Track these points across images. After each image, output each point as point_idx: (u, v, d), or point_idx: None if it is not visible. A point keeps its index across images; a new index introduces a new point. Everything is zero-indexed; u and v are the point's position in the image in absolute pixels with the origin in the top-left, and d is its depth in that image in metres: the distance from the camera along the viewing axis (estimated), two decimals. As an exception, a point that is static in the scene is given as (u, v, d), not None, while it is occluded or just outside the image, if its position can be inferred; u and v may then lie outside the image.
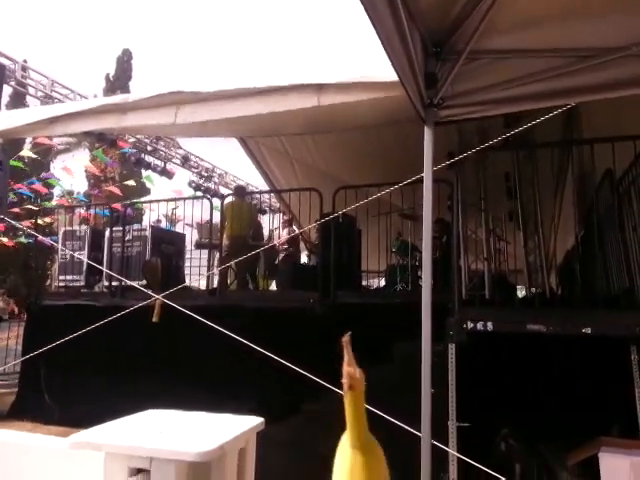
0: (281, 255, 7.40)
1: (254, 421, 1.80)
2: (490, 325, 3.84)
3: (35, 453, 1.90)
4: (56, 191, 18.80)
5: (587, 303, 4.12)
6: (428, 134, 2.54)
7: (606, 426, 4.07)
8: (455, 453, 3.33)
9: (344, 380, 0.34)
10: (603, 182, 4.63)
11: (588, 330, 3.58)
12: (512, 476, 3.33)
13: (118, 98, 5.25)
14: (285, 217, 8.21)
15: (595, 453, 3.66)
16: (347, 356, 0.34)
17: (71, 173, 11.67)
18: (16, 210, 11.33)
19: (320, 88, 3.88)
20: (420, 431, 2.65)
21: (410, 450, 2.87)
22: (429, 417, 2.54)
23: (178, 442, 1.60)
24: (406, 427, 2.87)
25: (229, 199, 7.31)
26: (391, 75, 3.62)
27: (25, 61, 9.49)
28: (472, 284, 5.19)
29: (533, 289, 6.09)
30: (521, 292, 7.52)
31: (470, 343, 3.88)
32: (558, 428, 4.06)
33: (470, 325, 3.86)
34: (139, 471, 1.61)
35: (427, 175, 2.63)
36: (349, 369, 0.34)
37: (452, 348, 3.80)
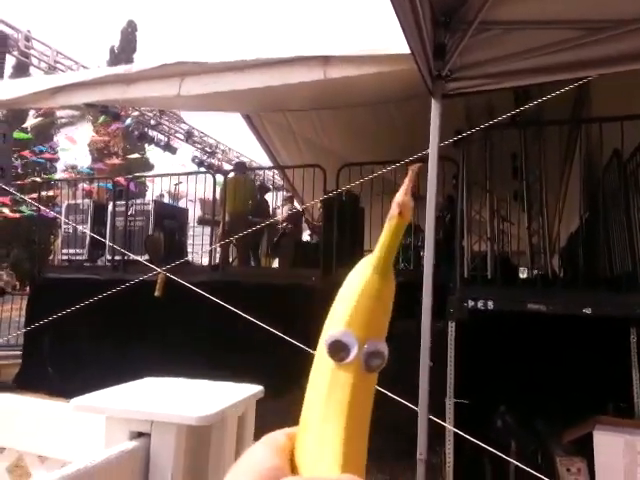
0: (283, 232, 7.38)
1: (254, 389, 1.81)
2: (491, 304, 3.84)
3: (35, 416, 1.91)
4: (59, 165, 18.78)
5: (589, 284, 4.11)
6: (435, 107, 2.50)
7: (602, 405, 4.11)
8: (452, 428, 3.36)
9: (394, 205, 0.33)
10: (610, 163, 4.58)
11: (588, 310, 3.59)
12: (508, 452, 3.37)
13: (122, 68, 5.18)
14: (286, 194, 8.17)
15: (590, 431, 3.71)
16: (407, 185, 0.32)
17: (74, 142, 11.61)
18: (20, 182, 11.32)
19: (326, 60, 3.82)
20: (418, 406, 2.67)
21: (408, 425, 2.91)
22: (427, 392, 2.56)
23: (179, 406, 1.61)
24: (405, 402, 2.90)
25: (231, 175, 7.27)
26: (399, 48, 3.56)
27: (29, 31, 9.36)
28: (474, 264, 5.18)
29: (535, 271, 6.08)
30: (523, 274, 7.52)
31: (471, 321, 3.90)
32: (554, 406, 4.10)
33: (471, 303, 3.87)
34: (140, 435, 1.62)
35: (433, 150, 2.59)
36: (405, 197, 0.32)
37: (452, 326, 3.82)
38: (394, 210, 0.33)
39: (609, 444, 3.65)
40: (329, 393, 0.32)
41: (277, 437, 0.33)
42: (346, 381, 0.32)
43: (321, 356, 0.33)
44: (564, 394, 4.11)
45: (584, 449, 3.87)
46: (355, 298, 0.33)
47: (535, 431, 3.96)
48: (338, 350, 0.32)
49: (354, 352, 0.32)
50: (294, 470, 0.31)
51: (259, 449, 0.32)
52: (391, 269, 0.34)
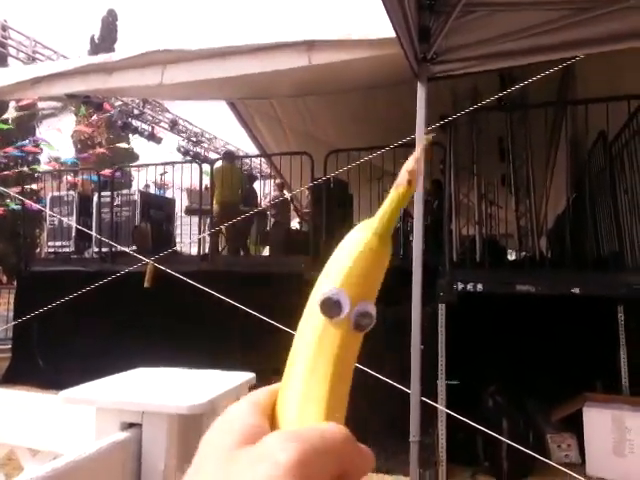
0: (272, 220, 7.36)
1: (245, 376, 1.80)
2: (480, 286, 3.87)
3: (25, 410, 1.89)
4: (43, 158, 18.46)
5: (576, 265, 4.16)
6: (421, 90, 2.48)
7: (590, 383, 4.19)
8: (444, 409, 3.41)
9: (404, 172, 0.32)
10: (596, 144, 4.61)
11: (577, 290, 3.63)
12: (499, 431, 3.42)
13: (103, 57, 5.08)
14: (277, 181, 8.11)
15: (579, 408, 3.78)
16: (419, 153, 0.32)
17: (61, 132, 11.39)
18: (4, 174, 11.11)
19: (311, 46, 3.78)
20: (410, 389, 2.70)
21: (401, 407, 2.94)
22: (418, 374, 2.59)
23: (170, 396, 1.60)
24: (397, 385, 2.92)
25: (218, 164, 7.20)
26: (383, 32, 3.53)
27: (5, 21, 9.14)
28: (463, 248, 5.21)
29: (523, 253, 6.14)
30: (511, 256, 7.59)
31: (460, 304, 3.93)
32: (544, 385, 4.17)
33: (460, 286, 3.90)
34: (131, 425, 1.61)
35: (419, 133, 2.58)
36: (416, 165, 0.32)
37: (442, 309, 3.84)
38: (403, 178, 0.32)
39: (598, 420, 3.72)
40: (318, 348, 0.33)
41: (258, 395, 0.33)
42: (335, 337, 0.33)
43: (311, 310, 0.34)
44: (554, 373, 4.18)
45: (574, 426, 3.94)
46: (352, 258, 0.33)
47: (526, 410, 4.02)
48: (330, 307, 0.33)
49: (346, 310, 0.32)
50: (274, 427, 0.31)
51: (239, 407, 0.31)
52: (390, 235, 0.34)
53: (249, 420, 0.30)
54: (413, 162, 0.33)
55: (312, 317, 0.33)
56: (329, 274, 0.34)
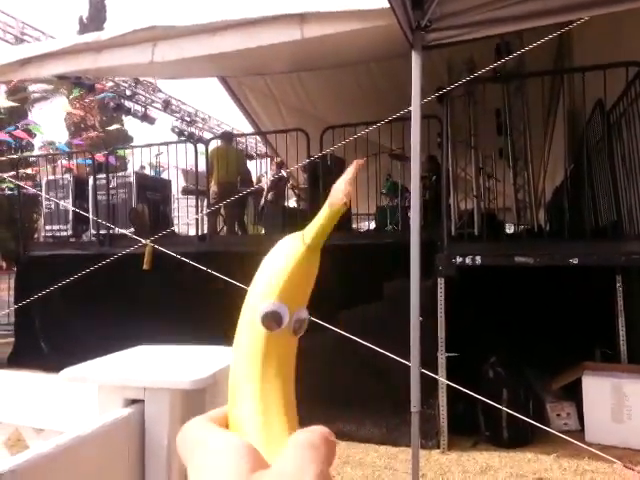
0: (268, 197, 7.29)
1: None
2: (478, 259, 3.87)
3: (29, 390, 1.90)
4: (37, 143, 18.29)
5: (574, 235, 4.16)
6: (416, 59, 2.44)
7: (589, 352, 4.23)
8: (444, 380, 3.44)
9: (342, 195, 0.35)
10: (593, 114, 4.56)
11: (575, 260, 3.63)
12: (500, 401, 3.47)
13: (92, 36, 4.97)
14: (277, 159, 8.02)
15: (579, 377, 3.82)
16: (351, 175, 0.35)
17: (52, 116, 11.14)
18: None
19: (303, 18, 3.70)
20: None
21: (403, 380, 2.96)
22: (418, 346, 2.60)
23: (172, 372, 1.60)
24: (397, 358, 2.94)
25: (213, 144, 7.12)
26: (377, 2, 3.46)
27: (-10, 2, 8.94)
28: (461, 222, 5.20)
29: (522, 226, 6.14)
30: (510, 229, 7.58)
31: (460, 277, 3.94)
32: (544, 355, 4.21)
33: (459, 260, 3.90)
34: (134, 402, 1.62)
35: (415, 105, 2.55)
36: (350, 188, 0.35)
37: (441, 282, 3.85)
38: (341, 199, 0.35)
39: (597, 387, 3.77)
40: (265, 361, 0.35)
41: (211, 415, 0.35)
42: (281, 348, 0.36)
43: (249, 322, 0.36)
44: (553, 343, 4.22)
45: (573, 394, 4.00)
46: (287, 272, 0.36)
47: (526, 380, 4.07)
48: (272, 321, 0.35)
49: (286, 321, 0.35)
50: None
51: (217, 433, 0.32)
52: (319, 247, 0.37)
53: (244, 445, 0.30)
54: (348, 184, 0.35)
55: (252, 329, 0.35)
56: (266, 287, 0.36)
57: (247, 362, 0.35)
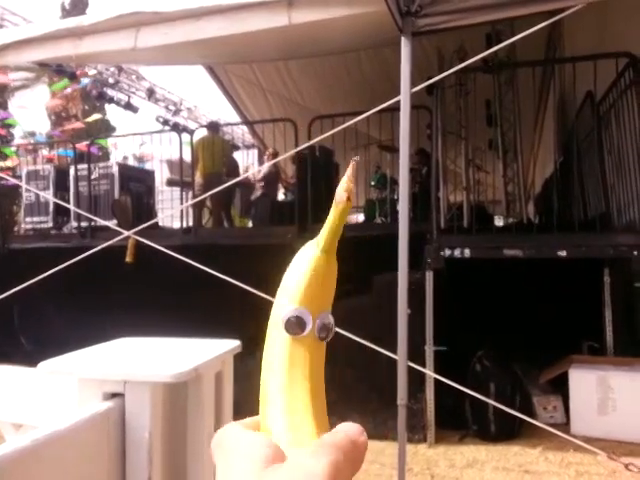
0: (258, 192, 7.20)
1: (230, 344, 1.74)
2: (467, 251, 3.84)
3: (7, 385, 1.81)
4: (17, 132, 17.87)
5: (563, 228, 4.15)
6: (406, 45, 2.37)
7: (576, 346, 4.24)
8: (432, 374, 3.41)
9: (343, 193, 0.36)
10: (583, 105, 4.54)
11: (563, 253, 3.62)
12: (487, 395, 3.45)
13: (74, 21, 4.81)
14: (270, 150, 7.90)
15: (566, 370, 3.82)
16: (351, 173, 0.36)
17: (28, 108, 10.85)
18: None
19: (290, 3, 3.60)
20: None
21: (390, 373, 2.92)
22: (405, 339, 2.55)
23: (153, 365, 1.53)
24: (384, 351, 2.90)
25: (198, 134, 6.99)
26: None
27: (-32, -14, 8.66)
28: (451, 214, 5.17)
29: (511, 219, 6.14)
30: (499, 222, 7.59)
31: (448, 270, 3.90)
32: (532, 348, 4.21)
33: (448, 252, 3.86)
34: (114, 395, 1.54)
35: (404, 92, 2.48)
36: (351, 185, 0.36)
37: (429, 275, 3.81)
38: (343, 196, 0.36)
39: (583, 380, 3.78)
40: (290, 368, 0.36)
41: (245, 421, 0.35)
42: (305, 353, 0.36)
43: (277, 328, 0.36)
44: (541, 336, 4.22)
45: (560, 387, 4.00)
46: (307, 277, 0.37)
47: (513, 373, 4.06)
48: (295, 326, 0.36)
49: (309, 326, 0.36)
50: None
51: (244, 434, 0.32)
52: (334, 249, 0.38)
53: (265, 441, 0.31)
54: (348, 182, 0.35)
55: (279, 336, 0.36)
56: (288, 293, 0.37)
57: (274, 368, 0.37)
